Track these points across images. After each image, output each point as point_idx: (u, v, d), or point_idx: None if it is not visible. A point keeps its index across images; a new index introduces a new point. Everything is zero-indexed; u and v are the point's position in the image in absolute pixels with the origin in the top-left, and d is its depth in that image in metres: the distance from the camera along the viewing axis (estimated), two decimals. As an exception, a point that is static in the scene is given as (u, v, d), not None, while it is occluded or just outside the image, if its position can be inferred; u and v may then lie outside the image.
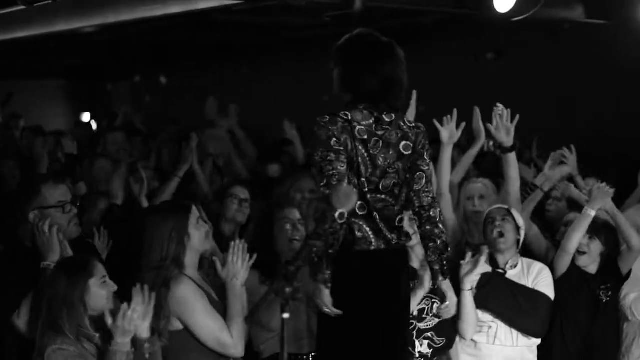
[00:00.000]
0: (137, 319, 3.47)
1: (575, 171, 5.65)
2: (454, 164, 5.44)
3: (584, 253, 4.89)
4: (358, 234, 3.66)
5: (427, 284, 4.26)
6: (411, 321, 4.23)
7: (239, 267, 3.85)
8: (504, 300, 4.65)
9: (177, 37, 10.66)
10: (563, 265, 4.85)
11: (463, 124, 5.14)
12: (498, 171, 5.50)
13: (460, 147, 6.03)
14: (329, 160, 3.58)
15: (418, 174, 3.77)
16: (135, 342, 3.51)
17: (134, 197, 5.64)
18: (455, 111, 5.07)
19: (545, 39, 8.98)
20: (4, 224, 4.60)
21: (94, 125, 12.74)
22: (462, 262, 4.46)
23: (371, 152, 3.65)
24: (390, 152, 3.69)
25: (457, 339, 4.55)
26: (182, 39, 10.95)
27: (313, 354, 4.28)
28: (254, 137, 8.28)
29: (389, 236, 3.71)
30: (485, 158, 6.67)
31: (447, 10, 8.05)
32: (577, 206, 5.24)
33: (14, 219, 4.28)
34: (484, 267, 4.51)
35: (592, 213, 4.78)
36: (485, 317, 4.63)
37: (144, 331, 3.52)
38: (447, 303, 4.00)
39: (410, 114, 4.74)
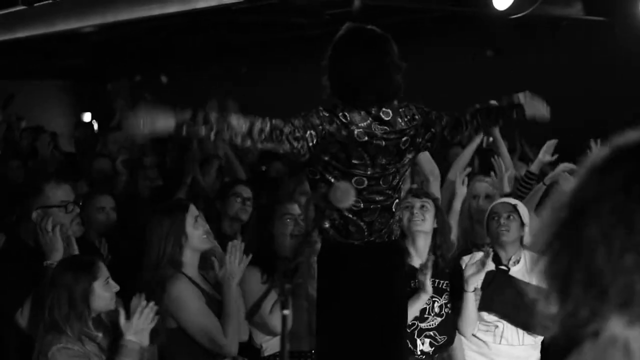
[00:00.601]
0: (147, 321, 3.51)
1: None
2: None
3: None
4: (352, 229, 3.65)
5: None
6: (413, 321, 4.21)
7: (235, 267, 3.87)
8: (510, 301, 4.50)
9: (177, 37, 10.67)
10: None
11: None
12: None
13: (461, 145, 6.09)
14: (294, 126, 3.53)
15: (432, 130, 3.79)
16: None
17: (133, 197, 5.65)
18: None
19: (544, 35, 9.00)
20: (7, 223, 4.61)
21: (95, 126, 12.75)
22: (467, 260, 4.39)
23: (371, 152, 3.63)
24: (390, 150, 3.68)
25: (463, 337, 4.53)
26: (182, 38, 10.96)
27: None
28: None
29: (384, 231, 3.71)
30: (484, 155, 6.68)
31: (446, 7, 8.08)
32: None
33: (16, 217, 4.29)
34: (487, 266, 4.47)
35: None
36: (491, 317, 4.52)
37: (145, 339, 3.55)
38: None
39: None
